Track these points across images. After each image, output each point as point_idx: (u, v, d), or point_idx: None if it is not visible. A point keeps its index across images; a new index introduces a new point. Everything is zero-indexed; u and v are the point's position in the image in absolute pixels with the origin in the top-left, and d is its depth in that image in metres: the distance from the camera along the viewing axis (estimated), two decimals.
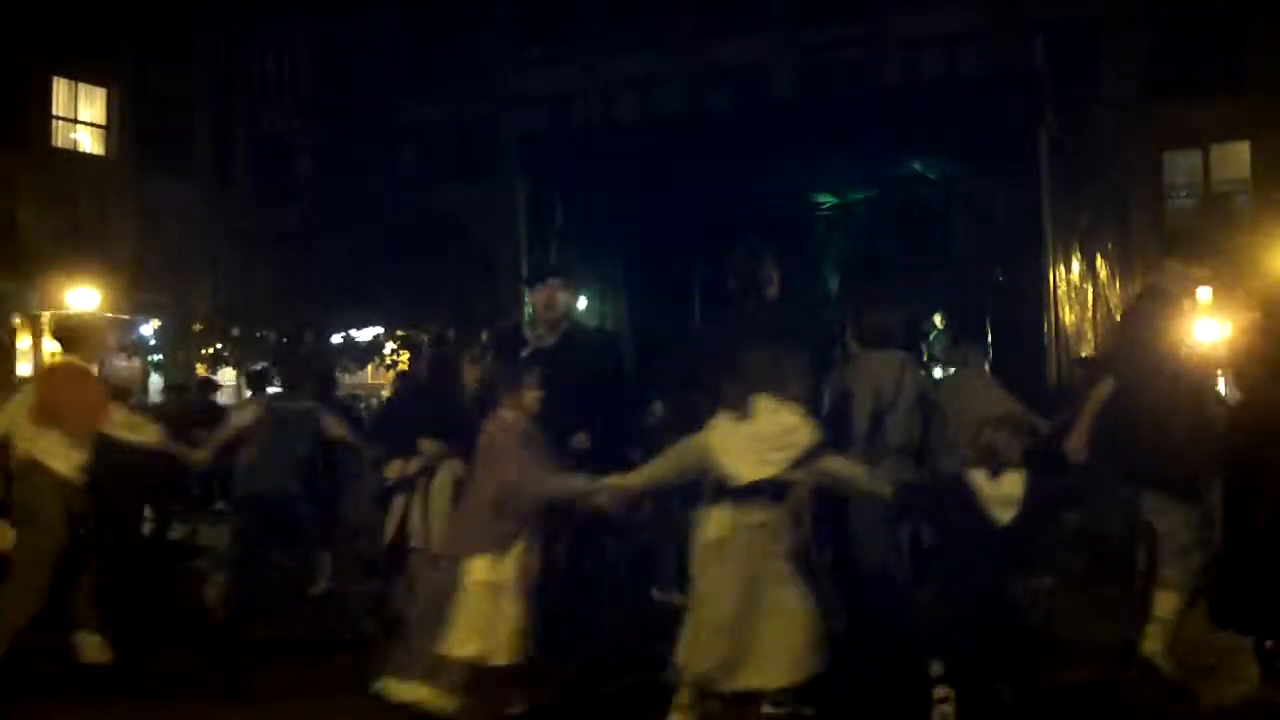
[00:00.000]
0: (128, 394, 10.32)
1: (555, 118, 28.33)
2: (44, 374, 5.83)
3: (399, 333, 27.01)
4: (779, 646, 4.28)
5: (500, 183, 21.94)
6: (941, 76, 22.52)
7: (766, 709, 4.46)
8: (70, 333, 6.30)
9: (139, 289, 26.77)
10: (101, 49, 27.50)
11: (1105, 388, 5.40)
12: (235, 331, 25.97)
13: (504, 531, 4.40)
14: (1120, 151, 15.74)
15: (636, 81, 27.85)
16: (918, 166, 12.63)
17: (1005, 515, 4.63)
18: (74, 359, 6.10)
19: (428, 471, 5.60)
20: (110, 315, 26.21)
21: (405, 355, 27.59)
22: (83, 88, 27.93)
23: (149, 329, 27.38)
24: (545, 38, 30.05)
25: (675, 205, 12.66)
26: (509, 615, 4.32)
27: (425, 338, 27.01)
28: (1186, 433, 5.28)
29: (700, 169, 12.11)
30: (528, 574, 4.43)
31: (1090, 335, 11.48)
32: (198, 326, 26.29)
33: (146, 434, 6.10)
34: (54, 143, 27.39)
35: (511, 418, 4.59)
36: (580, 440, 5.33)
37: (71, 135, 28.00)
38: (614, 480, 4.62)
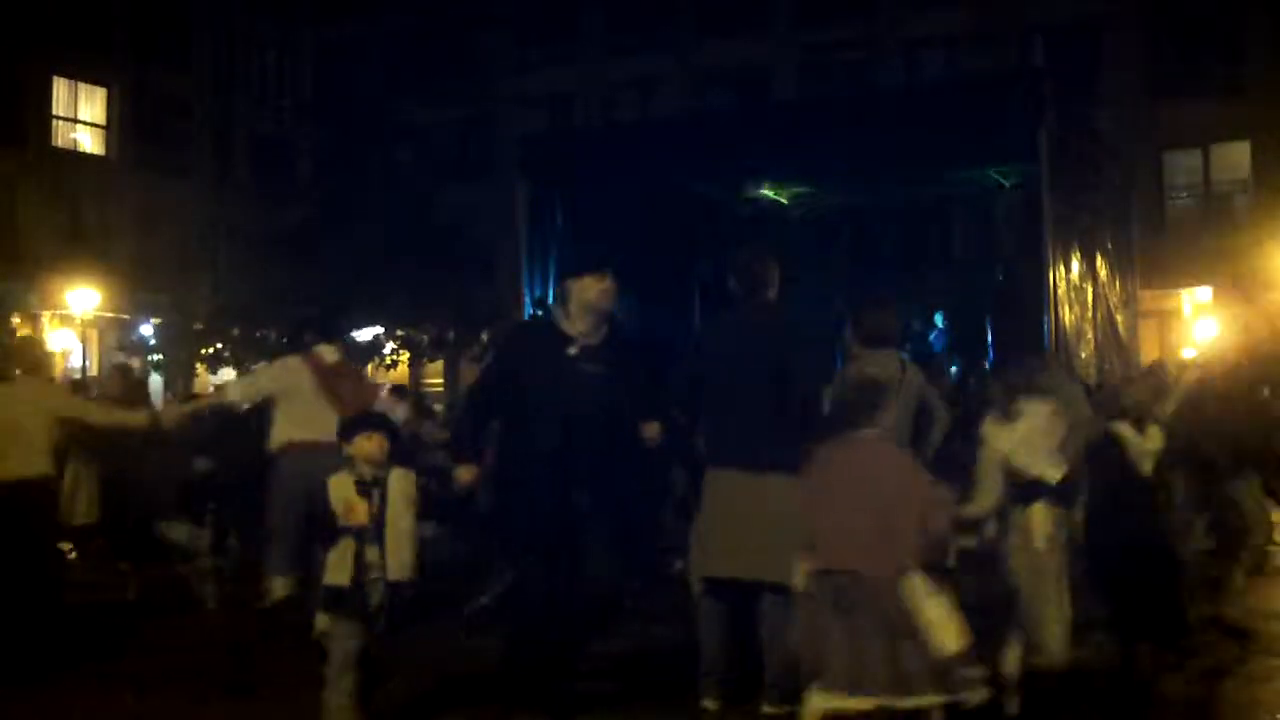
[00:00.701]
0: (143, 390, 10.84)
1: (555, 118, 28.34)
2: (323, 368, 6.57)
3: (399, 333, 27.00)
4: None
5: (500, 183, 21.93)
6: (942, 77, 22.52)
7: None
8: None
9: (139, 289, 26.77)
10: (101, 48, 27.50)
11: (1194, 373, 6.49)
12: (235, 331, 25.96)
13: (918, 546, 4.34)
14: (1120, 151, 15.71)
15: (636, 81, 27.85)
16: (918, 166, 12.64)
17: (1147, 466, 5.27)
18: (338, 352, 6.77)
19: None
20: (111, 314, 26.31)
21: (405, 355, 27.60)
22: (82, 87, 27.93)
23: (149, 328, 27.38)
24: (545, 38, 30.04)
25: (675, 205, 12.68)
26: (946, 608, 4.35)
27: (425, 338, 27.04)
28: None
29: (700, 169, 12.13)
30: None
31: (1090, 335, 11.46)
32: (198, 326, 26.29)
33: (399, 412, 6.83)
34: (54, 142, 27.39)
35: (878, 435, 4.47)
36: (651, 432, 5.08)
37: (71, 135, 27.99)
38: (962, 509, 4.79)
